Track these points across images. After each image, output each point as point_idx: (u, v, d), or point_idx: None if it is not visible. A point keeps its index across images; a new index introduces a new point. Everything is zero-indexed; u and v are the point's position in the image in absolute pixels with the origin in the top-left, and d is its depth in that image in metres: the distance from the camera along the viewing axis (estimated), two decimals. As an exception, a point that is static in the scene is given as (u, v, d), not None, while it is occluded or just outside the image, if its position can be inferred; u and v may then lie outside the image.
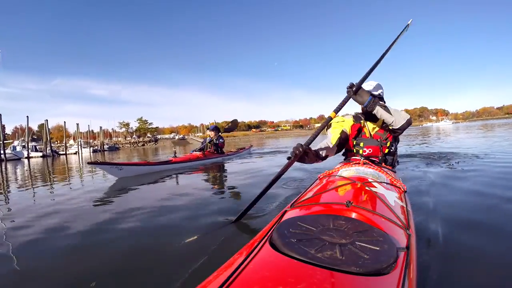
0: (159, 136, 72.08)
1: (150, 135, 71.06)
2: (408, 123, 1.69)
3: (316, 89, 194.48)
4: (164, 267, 1.29)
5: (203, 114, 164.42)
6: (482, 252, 1.23)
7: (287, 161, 1.49)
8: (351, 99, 1.57)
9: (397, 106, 1.79)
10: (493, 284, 1.02)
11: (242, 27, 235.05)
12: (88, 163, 4.50)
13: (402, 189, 1.38)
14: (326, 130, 2.04)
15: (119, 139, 67.06)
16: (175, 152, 6.14)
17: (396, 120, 1.65)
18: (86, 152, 32.18)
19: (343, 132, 1.93)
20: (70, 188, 4.14)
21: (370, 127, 1.91)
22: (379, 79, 1.97)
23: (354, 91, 1.53)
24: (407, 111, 1.81)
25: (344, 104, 1.57)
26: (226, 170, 5.07)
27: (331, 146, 1.83)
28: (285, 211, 1.06)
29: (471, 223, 1.56)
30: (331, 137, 1.91)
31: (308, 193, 1.27)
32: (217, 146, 6.44)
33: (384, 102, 1.87)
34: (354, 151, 1.93)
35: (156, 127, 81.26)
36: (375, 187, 1.21)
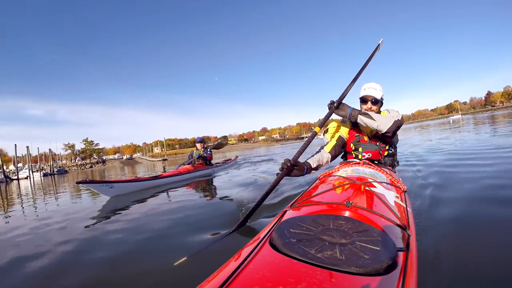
0: (105, 157, 70.37)
1: (96, 156, 69.19)
2: (397, 125, 1.65)
3: (257, 102, 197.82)
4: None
5: (146, 132, 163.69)
6: (482, 252, 1.23)
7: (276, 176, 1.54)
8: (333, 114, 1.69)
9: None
10: (493, 284, 1.02)
11: (180, 44, 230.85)
12: (77, 182, 4.08)
13: (402, 189, 1.38)
14: (323, 134, 2.04)
15: (64, 161, 64.93)
16: (164, 168, 6.21)
17: (381, 124, 1.63)
18: (37, 176, 29.71)
19: (340, 138, 1.92)
20: (70, 206, 4.01)
21: (367, 131, 1.88)
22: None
23: (335, 106, 1.65)
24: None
25: (327, 119, 1.70)
26: (215, 182, 5.01)
27: (325, 154, 1.83)
28: (285, 211, 1.06)
29: (472, 223, 1.56)
30: (327, 145, 1.91)
31: (308, 193, 1.27)
32: (205, 159, 6.54)
33: (382, 105, 1.87)
34: (354, 156, 1.90)
35: (102, 148, 79.56)
36: (375, 187, 1.21)
